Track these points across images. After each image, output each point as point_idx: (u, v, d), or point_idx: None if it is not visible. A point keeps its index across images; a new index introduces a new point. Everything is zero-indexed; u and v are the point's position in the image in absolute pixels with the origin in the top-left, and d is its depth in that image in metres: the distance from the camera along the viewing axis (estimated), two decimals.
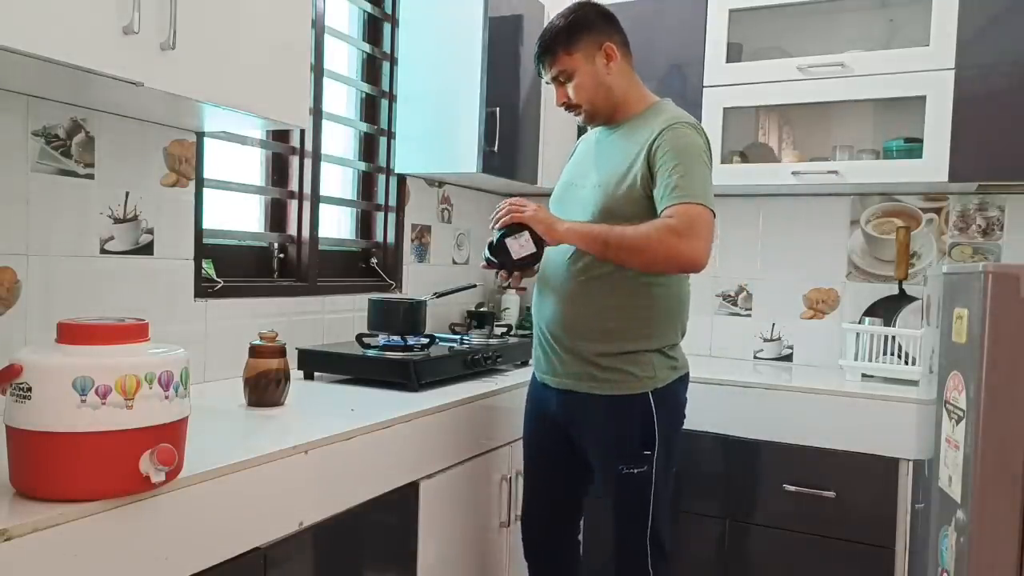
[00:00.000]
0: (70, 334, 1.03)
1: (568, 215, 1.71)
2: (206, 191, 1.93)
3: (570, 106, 1.76)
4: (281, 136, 2.25)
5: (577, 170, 1.82)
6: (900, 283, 2.58)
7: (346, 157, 2.58)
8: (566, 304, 1.72)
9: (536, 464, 1.91)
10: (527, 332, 3.02)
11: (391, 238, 2.68)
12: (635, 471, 1.67)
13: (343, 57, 2.55)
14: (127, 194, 1.71)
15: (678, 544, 2.35)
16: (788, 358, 2.80)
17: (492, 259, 1.70)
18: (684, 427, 1.97)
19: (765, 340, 2.83)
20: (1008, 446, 1.31)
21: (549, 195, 3.25)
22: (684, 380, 1.78)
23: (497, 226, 1.67)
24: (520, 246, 1.65)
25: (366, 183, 2.66)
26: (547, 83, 1.79)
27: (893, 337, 2.38)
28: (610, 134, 1.77)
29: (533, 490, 1.92)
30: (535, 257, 1.66)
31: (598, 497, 1.84)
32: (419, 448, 1.72)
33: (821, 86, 2.41)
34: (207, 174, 1.93)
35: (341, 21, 2.51)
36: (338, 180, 2.57)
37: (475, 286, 2.61)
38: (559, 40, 1.69)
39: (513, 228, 1.65)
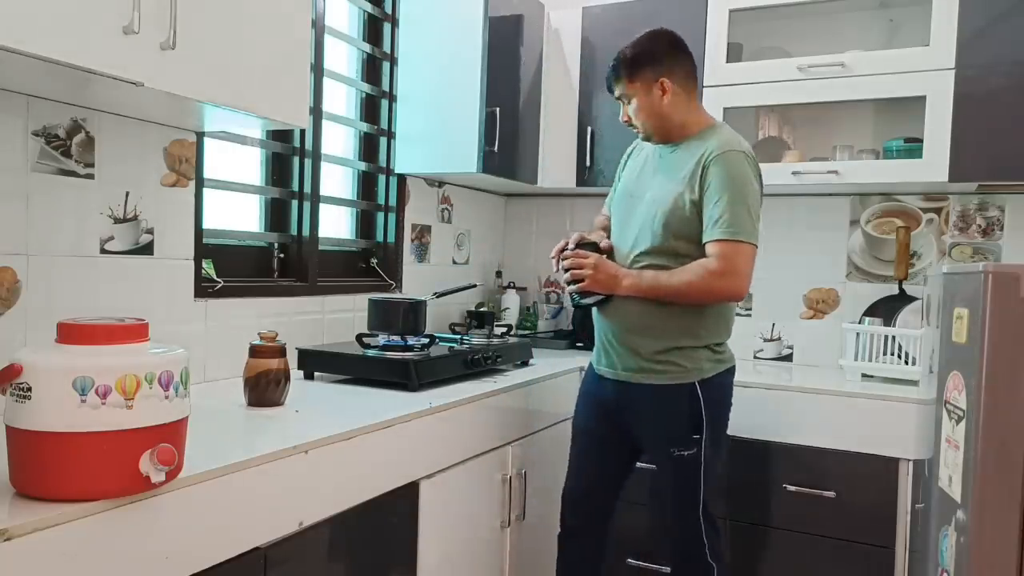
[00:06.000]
0: (70, 334, 1.03)
1: (630, 228, 1.91)
2: (206, 191, 1.93)
3: (630, 124, 1.94)
4: (281, 136, 2.25)
5: (636, 181, 1.97)
6: (900, 283, 2.58)
7: (346, 157, 2.58)
8: (624, 308, 1.87)
9: (585, 447, 2.04)
10: (527, 332, 3.03)
11: (391, 238, 2.68)
12: (685, 453, 1.83)
13: (343, 57, 2.55)
14: (127, 194, 1.71)
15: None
16: (788, 358, 2.80)
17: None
18: None
19: (765, 340, 2.83)
20: (1008, 446, 1.31)
21: (549, 195, 3.27)
22: (730, 372, 1.92)
23: (569, 288, 1.92)
24: (593, 299, 1.93)
25: (366, 183, 2.66)
26: (616, 99, 1.96)
27: (893, 337, 2.38)
28: (669, 152, 1.92)
29: (578, 471, 2.05)
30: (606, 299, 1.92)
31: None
32: (419, 448, 1.72)
33: (821, 86, 2.41)
34: (207, 174, 1.93)
35: (341, 21, 2.51)
36: (338, 180, 2.57)
37: (475, 286, 2.61)
38: (623, 68, 1.88)
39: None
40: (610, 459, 2.01)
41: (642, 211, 1.89)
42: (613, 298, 1.89)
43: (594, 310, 1.97)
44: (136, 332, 1.07)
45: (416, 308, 2.17)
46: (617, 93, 1.92)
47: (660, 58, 1.86)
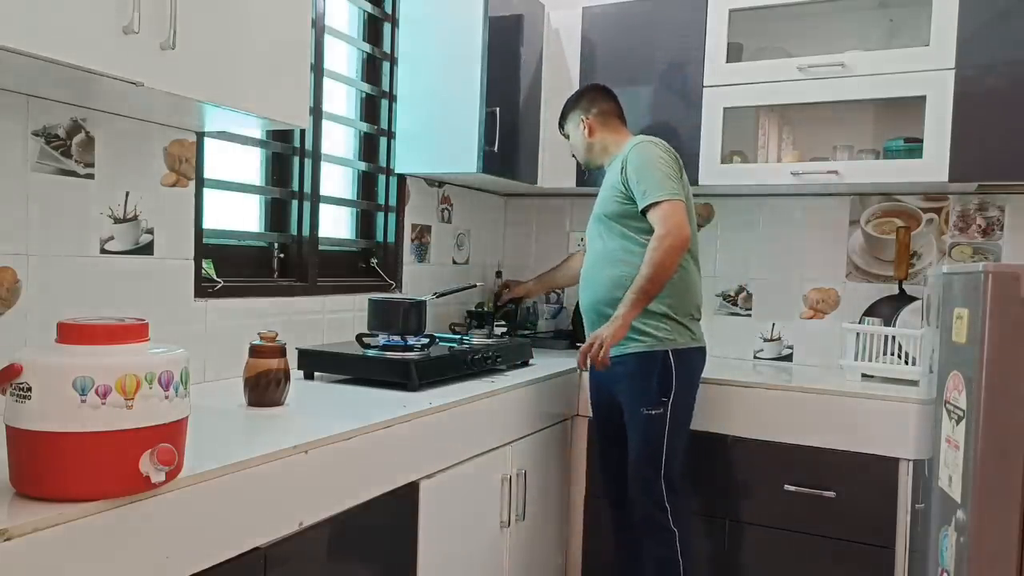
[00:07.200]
0: (70, 334, 1.03)
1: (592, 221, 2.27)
2: (206, 191, 1.93)
3: (574, 155, 2.44)
4: (281, 136, 2.25)
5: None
6: (900, 283, 2.58)
7: (346, 157, 2.58)
8: (598, 287, 2.16)
9: (599, 420, 2.30)
10: (527, 332, 3.03)
11: (391, 238, 2.68)
12: (653, 413, 2.07)
13: (343, 57, 2.55)
14: (127, 194, 1.71)
15: None
16: (788, 358, 2.80)
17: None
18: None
19: (765, 340, 2.83)
20: (1008, 446, 1.31)
21: (549, 195, 3.28)
22: (701, 352, 2.16)
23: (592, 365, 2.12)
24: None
25: (366, 183, 2.66)
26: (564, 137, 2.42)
27: (893, 337, 2.38)
28: (604, 173, 2.31)
29: (598, 448, 2.34)
30: None
31: None
32: (419, 448, 1.72)
33: (821, 86, 2.40)
34: (207, 174, 1.93)
35: (341, 21, 2.51)
36: (338, 180, 2.57)
37: (475, 286, 2.62)
38: (561, 114, 2.38)
39: None
40: (615, 429, 2.20)
41: (595, 210, 2.23)
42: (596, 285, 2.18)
43: (580, 296, 2.23)
44: (136, 332, 1.07)
45: (416, 308, 2.17)
46: (562, 133, 2.40)
47: (582, 103, 2.30)
